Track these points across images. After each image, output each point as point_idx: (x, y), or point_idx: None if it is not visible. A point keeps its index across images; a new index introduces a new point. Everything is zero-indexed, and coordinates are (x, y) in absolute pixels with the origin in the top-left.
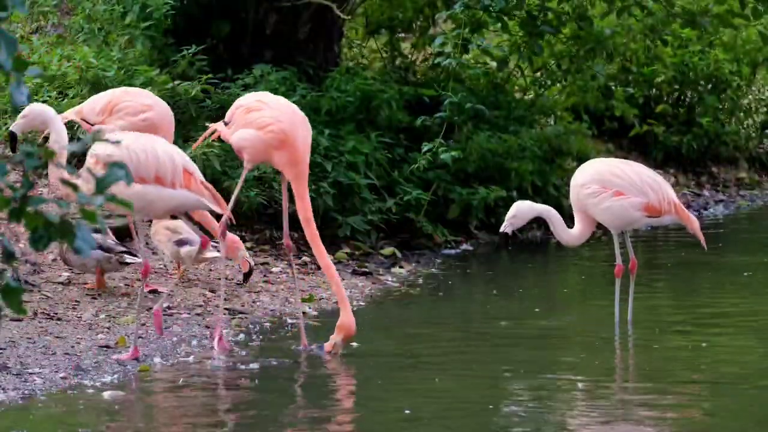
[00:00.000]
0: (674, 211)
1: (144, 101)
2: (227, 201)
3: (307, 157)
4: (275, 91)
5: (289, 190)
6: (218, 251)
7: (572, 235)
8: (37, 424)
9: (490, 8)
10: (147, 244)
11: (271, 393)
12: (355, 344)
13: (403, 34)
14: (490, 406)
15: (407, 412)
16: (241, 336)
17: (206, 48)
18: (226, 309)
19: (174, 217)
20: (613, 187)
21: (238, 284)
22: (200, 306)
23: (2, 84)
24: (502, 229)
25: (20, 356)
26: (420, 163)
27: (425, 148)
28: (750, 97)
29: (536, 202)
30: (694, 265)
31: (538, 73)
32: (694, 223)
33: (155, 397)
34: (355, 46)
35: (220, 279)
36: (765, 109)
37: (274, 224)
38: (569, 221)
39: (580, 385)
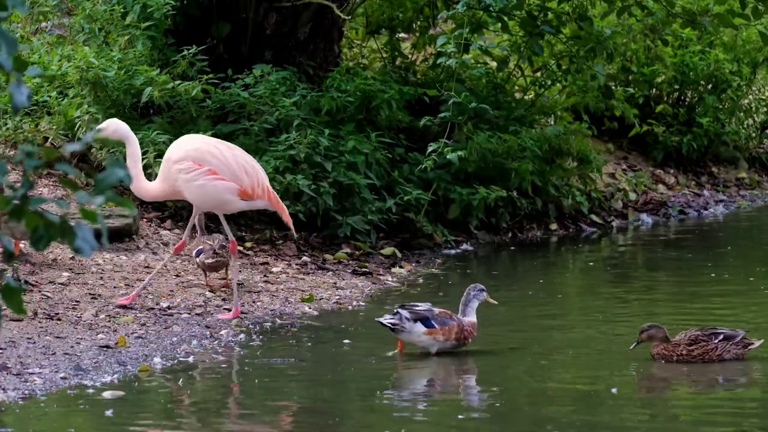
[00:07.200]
0: (267, 197)
1: None
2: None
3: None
4: (275, 91)
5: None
6: None
7: (147, 189)
8: (37, 424)
9: (491, 8)
10: (147, 244)
11: (271, 393)
12: (354, 343)
13: (403, 35)
14: (489, 407)
15: (404, 412)
16: (241, 336)
17: (206, 48)
18: (225, 309)
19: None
20: (209, 166)
21: (238, 284)
22: (200, 306)
23: (2, 84)
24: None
25: (20, 356)
26: (426, 164)
27: (430, 149)
28: (750, 97)
29: (536, 202)
30: (694, 265)
31: (538, 73)
32: (284, 212)
33: (155, 397)
34: (355, 46)
35: (223, 279)
36: (765, 109)
37: (274, 224)
38: (569, 220)
39: (577, 388)
